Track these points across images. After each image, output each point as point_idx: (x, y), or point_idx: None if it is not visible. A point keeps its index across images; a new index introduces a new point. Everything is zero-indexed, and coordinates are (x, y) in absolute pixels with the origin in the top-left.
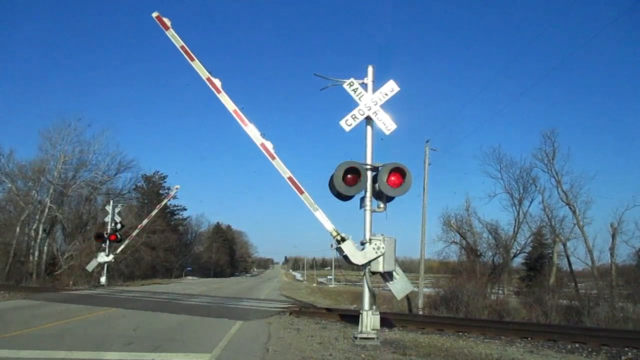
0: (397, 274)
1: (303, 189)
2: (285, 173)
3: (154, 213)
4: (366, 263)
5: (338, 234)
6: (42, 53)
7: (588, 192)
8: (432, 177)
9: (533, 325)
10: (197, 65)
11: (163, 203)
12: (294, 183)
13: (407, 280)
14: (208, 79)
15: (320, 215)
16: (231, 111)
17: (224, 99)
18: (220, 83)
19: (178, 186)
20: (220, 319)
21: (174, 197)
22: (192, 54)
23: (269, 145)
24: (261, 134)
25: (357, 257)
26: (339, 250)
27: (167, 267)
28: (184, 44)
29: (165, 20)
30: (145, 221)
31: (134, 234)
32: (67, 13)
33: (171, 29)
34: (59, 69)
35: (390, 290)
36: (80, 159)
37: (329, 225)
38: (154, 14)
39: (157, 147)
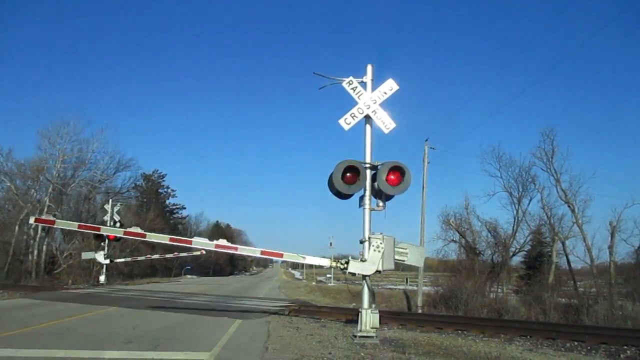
0: (405, 248)
1: (280, 252)
2: (256, 252)
3: (172, 255)
4: (380, 267)
5: (338, 262)
6: (41, 52)
7: (587, 190)
8: (431, 176)
9: (532, 323)
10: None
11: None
12: (269, 253)
13: (417, 247)
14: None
15: (311, 259)
16: (168, 241)
17: (154, 237)
18: (139, 229)
19: (203, 251)
20: (219, 317)
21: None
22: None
23: (223, 241)
24: (207, 240)
25: (366, 267)
26: (351, 274)
27: (167, 266)
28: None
29: (46, 217)
30: (155, 255)
31: (141, 258)
32: (66, 12)
33: (57, 220)
34: (58, 67)
35: (391, 287)
36: (79, 158)
37: (325, 262)
38: (32, 220)
39: (156, 145)
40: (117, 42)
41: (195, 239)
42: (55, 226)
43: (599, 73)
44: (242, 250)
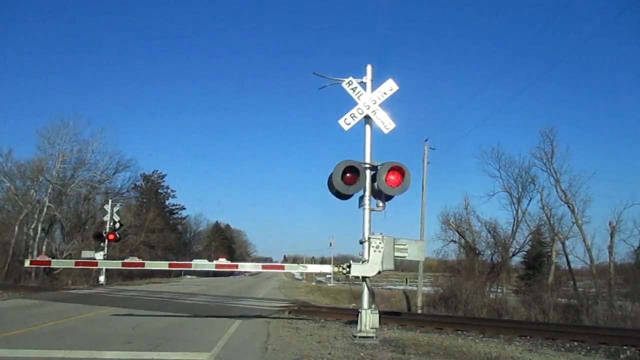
0: (404, 244)
1: (282, 265)
2: (257, 266)
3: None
4: (380, 267)
5: (339, 267)
6: (41, 51)
7: (587, 190)
8: (431, 176)
9: (532, 323)
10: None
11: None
12: (272, 266)
13: (416, 241)
14: None
15: (312, 267)
16: (168, 267)
17: (153, 264)
18: (137, 259)
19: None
20: (219, 318)
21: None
22: (90, 261)
23: (224, 260)
24: (207, 260)
25: (369, 269)
26: (355, 277)
27: None
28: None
29: (41, 258)
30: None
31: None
32: (66, 12)
33: (53, 260)
34: (58, 67)
35: (390, 288)
36: (79, 158)
37: (327, 268)
38: (27, 263)
39: (155, 145)
40: (116, 42)
41: (195, 262)
42: (51, 266)
43: (599, 72)
44: (242, 267)
